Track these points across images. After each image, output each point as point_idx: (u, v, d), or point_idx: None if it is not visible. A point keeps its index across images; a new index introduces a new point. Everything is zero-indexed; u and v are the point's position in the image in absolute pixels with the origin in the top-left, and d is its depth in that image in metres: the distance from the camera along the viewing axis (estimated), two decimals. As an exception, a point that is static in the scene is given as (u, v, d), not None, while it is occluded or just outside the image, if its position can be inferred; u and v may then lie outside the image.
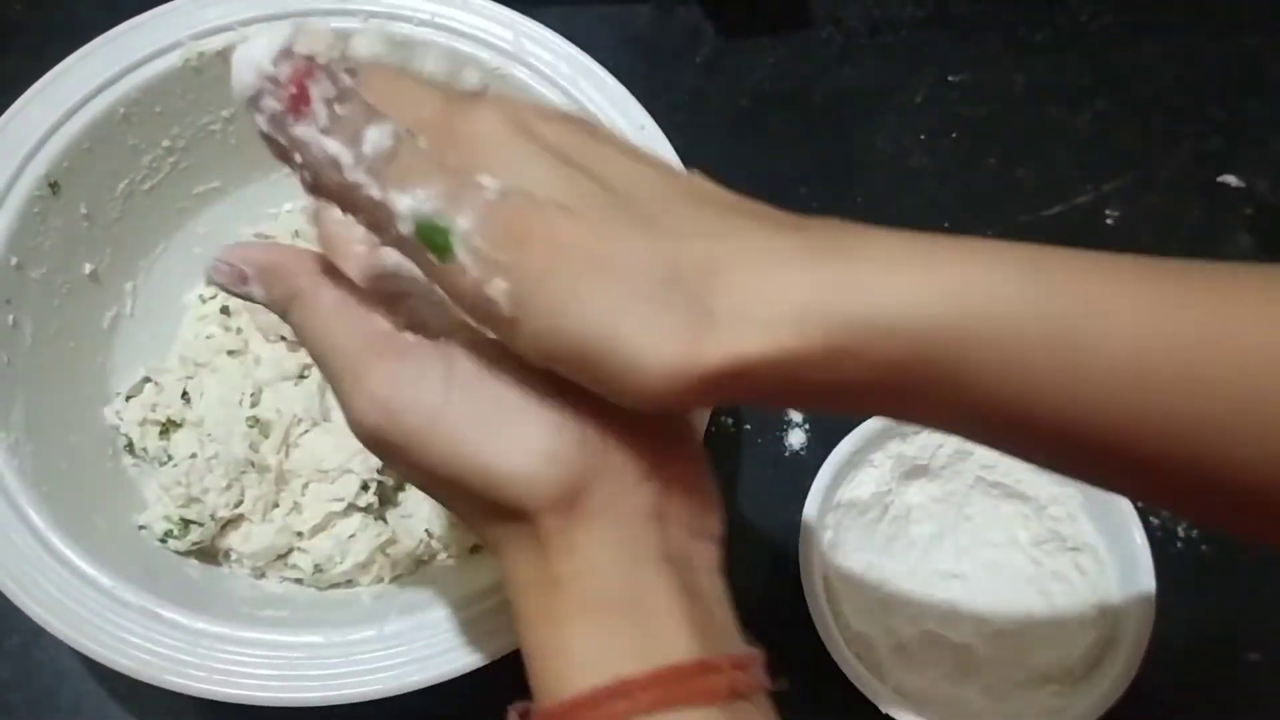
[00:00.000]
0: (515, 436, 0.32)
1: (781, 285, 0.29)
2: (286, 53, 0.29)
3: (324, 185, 0.31)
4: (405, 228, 0.30)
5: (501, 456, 0.32)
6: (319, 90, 0.29)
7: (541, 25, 0.54)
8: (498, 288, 0.29)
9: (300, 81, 0.29)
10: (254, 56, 0.29)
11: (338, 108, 0.30)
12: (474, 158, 0.30)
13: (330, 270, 0.35)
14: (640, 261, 0.29)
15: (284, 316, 0.35)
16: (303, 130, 0.30)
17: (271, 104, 0.29)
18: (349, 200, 0.31)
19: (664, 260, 0.29)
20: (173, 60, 0.52)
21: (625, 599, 0.32)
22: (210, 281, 0.36)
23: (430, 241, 0.30)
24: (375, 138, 0.30)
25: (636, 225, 0.30)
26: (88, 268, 0.52)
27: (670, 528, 0.33)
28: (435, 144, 0.31)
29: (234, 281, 0.35)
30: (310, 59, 0.29)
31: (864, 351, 0.29)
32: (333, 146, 0.30)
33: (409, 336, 0.34)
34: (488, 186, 0.30)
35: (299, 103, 0.29)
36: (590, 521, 0.32)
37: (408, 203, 0.30)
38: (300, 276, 0.35)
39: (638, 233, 0.30)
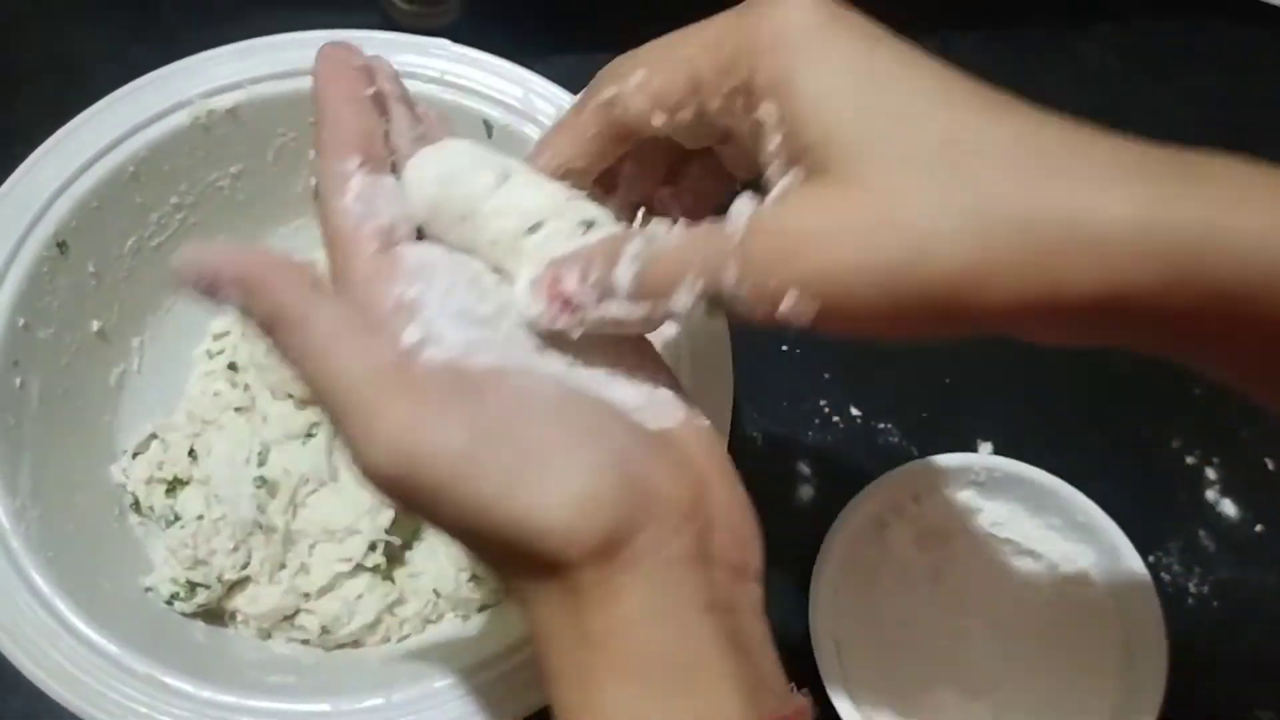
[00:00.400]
0: (551, 482, 0.30)
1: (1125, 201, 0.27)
2: (545, 292, 0.33)
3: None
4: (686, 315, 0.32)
5: (536, 507, 0.30)
6: (577, 291, 0.33)
7: (551, 82, 0.53)
8: (791, 309, 0.30)
9: (561, 298, 0.33)
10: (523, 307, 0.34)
11: (590, 278, 0.32)
12: (785, 78, 0.31)
13: (323, 286, 0.32)
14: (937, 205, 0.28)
15: (268, 336, 0.32)
16: (583, 320, 0.33)
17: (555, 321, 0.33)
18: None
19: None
20: (182, 119, 0.51)
21: (667, 656, 0.30)
22: (176, 278, 0.32)
23: (714, 310, 0.31)
24: (623, 274, 0.32)
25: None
26: (95, 325, 0.52)
27: (714, 570, 0.31)
28: (729, 72, 0.32)
29: (204, 286, 0.32)
30: (560, 287, 0.33)
31: (1201, 278, 0.27)
32: (610, 311, 0.32)
33: (427, 362, 0.31)
34: (733, 229, 0.30)
35: (569, 308, 0.33)
36: (629, 571, 0.30)
37: (681, 302, 0.31)
38: (288, 292, 0.31)
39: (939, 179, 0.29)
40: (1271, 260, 0.26)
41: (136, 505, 0.52)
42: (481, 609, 0.51)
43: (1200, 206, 0.27)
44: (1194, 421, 0.61)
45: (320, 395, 0.31)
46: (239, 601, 0.50)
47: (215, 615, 0.51)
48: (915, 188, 0.29)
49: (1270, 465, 0.61)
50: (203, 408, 0.54)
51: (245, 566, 0.50)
